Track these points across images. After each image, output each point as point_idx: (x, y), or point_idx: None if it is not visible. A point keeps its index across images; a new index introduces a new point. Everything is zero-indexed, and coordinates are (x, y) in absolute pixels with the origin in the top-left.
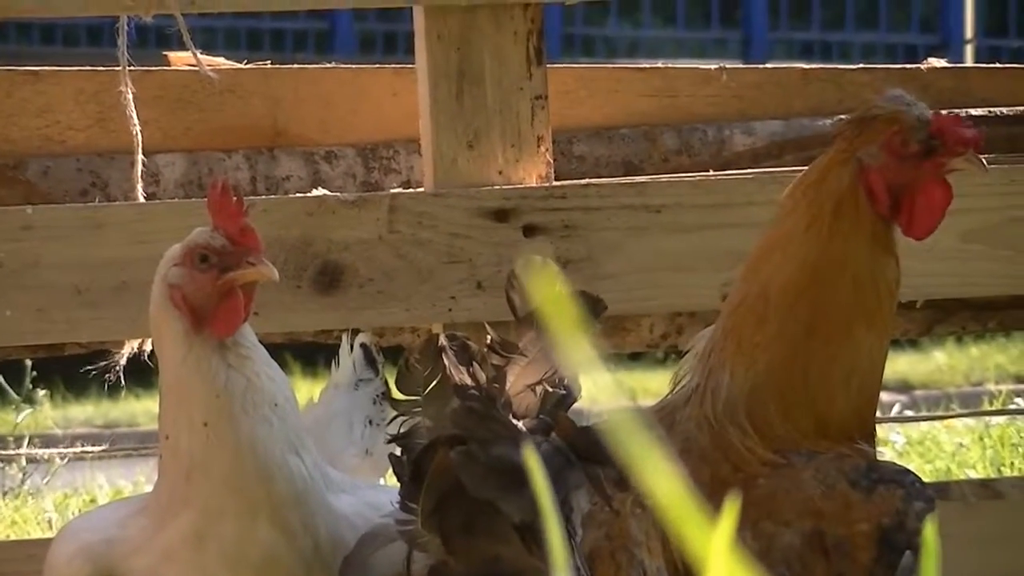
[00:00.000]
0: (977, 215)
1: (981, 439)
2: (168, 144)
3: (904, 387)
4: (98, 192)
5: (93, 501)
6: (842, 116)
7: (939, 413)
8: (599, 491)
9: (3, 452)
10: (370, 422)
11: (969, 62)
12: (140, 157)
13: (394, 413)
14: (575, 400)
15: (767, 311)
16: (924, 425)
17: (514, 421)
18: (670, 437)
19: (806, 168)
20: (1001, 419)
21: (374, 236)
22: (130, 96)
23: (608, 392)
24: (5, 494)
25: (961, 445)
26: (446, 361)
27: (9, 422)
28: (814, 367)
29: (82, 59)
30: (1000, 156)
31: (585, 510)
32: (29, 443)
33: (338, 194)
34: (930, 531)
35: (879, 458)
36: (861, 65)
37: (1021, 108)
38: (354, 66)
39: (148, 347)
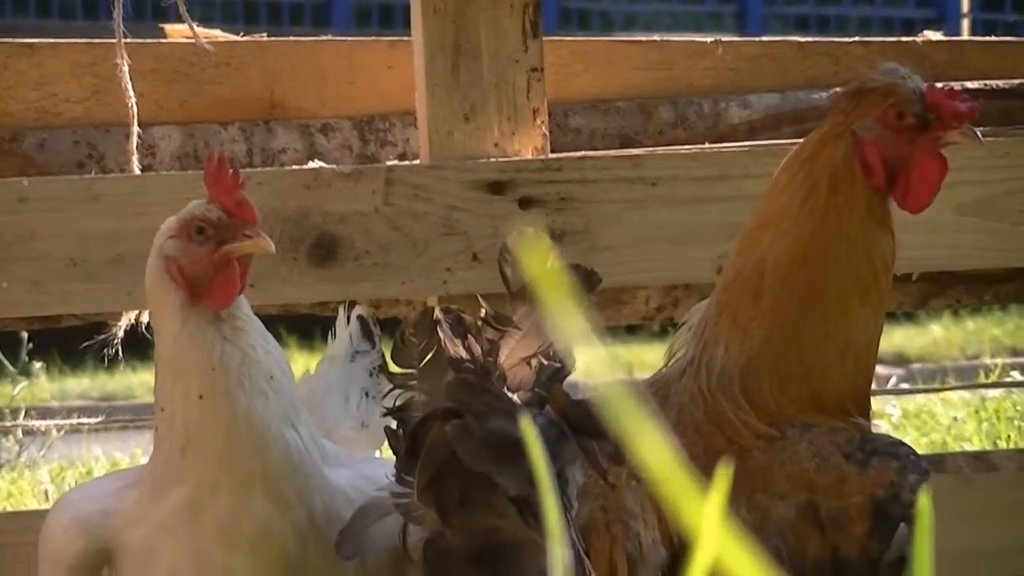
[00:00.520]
0: (971, 188)
1: (977, 412)
2: (164, 116)
3: (900, 360)
4: (94, 164)
5: (89, 473)
6: (838, 89)
7: (935, 386)
8: (594, 464)
9: (0, 424)
10: (366, 394)
11: (965, 35)
12: (136, 129)
13: (390, 386)
14: (569, 373)
15: (762, 285)
16: (920, 398)
17: (509, 394)
18: (664, 410)
19: (802, 141)
20: (997, 392)
21: (370, 208)
22: (126, 69)
23: (602, 365)
24: (2, 466)
25: (956, 418)
26: (441, 334)
27: (6, 394)
28: (809, 341)
29: (78, 32)
30: (995, 129)
31: (580, 483)
32: (26, 415)
33: (334, 166)
34: (925, 503)
35: (875, 431)
36: (857, 38)
37: (1016, 81)
38: (350, 39)
39: (145, 319)
